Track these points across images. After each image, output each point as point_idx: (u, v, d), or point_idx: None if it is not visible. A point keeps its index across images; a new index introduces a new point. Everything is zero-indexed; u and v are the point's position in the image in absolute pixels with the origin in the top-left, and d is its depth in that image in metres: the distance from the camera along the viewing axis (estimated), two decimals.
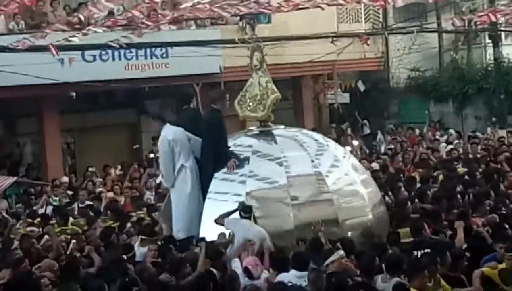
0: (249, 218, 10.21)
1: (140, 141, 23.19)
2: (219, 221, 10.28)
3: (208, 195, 10.91)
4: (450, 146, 19.78)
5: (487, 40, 25.85)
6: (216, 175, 10.99)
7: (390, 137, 23.07)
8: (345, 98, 24.96)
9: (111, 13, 18.06)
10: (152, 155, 20.79)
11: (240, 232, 9.96)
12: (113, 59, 19.62)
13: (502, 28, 24.27)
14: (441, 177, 14.73)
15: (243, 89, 11.83)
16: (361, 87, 25.23)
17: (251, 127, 12.14)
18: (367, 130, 25.03)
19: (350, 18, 24.65)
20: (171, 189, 11.31)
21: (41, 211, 14.52)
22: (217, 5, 12.52)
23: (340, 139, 20.14)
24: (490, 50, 25.67)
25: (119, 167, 19.35)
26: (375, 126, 25.00)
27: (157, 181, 12.42)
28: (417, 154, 18.12)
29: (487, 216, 11.34)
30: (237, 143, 11.43)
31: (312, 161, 11.21)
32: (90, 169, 18.91)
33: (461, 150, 18.69)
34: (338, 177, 11.28)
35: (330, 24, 22.05)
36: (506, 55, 25.41)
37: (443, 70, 26.78)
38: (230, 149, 11.17)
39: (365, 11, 24.24)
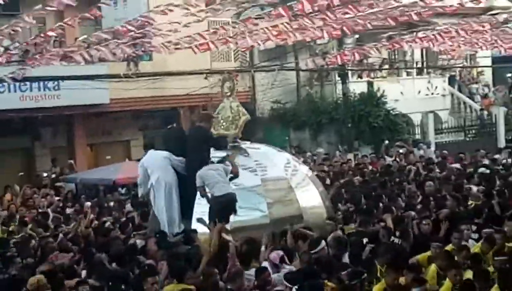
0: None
1: (34, 165, 22.56)
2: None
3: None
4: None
5: (337, 78, 26.56)
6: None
7: None
8: None
9: (6, 49, 17.50)
10: (45, 175, 20.28)
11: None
12: (9, 90, 19.09)
13: (349, 68, 25.15)
14: None
15: (215, 112, 12.53)
16: None
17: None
18: None
19: (221, 57, 24.86)
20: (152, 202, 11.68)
21: None
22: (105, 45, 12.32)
23: None
24: (339, 86, 26.37)
25: (16, 187, 18.71)
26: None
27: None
28: None
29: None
30: (216, 155, 11.70)
31: (279, 168, 12.05)
32: None
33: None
34: (299, 181, 12.05)
35: (204, 61, 22.17)
36: (352, 91, 26.13)
37: (301, 103, 27.26)
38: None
39: (234, 52, 24.52)
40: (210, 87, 21.56)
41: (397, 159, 20.27)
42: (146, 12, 12.73)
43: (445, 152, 21.46)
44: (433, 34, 15.31)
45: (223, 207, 10.50)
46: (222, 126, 12.28)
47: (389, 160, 20.46)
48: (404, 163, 19.33)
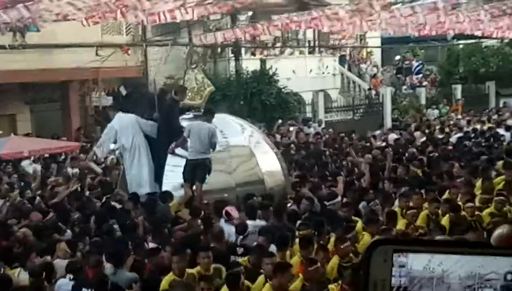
0: None
1: None
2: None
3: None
4: None
5: (230, 55, 26.61)
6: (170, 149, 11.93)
7: None
8: (108, 101, 24.67)
9: None
10: None
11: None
12: None
13: (242, 45, 25.26)
14: None
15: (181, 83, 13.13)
16: (123, 91, 25.03)
17: (187, 113, 13.11)
18: None
19: (113, 30, 24.38)
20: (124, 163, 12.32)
21: None
22: None
23: None
24: (232, 63, 26.45)
25: None
26: None
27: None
28: None
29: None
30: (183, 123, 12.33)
31: (240, 135, 12.82)
32: None
33: None
34: (258, 146, 12.82)
35: (95, 34, 21.67)
36: (245, 68, 26.29)
37: None
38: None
39: (126, 25, 24.09)
40: (101, 60, 21.17)
41: (287, 137, 20.60)
42: None
43: (330, 130, 22.16)
44: (325, 15, 15.59)
45: (193, 170, 11.25)
46: (188, 97, 12.69)
47: (278, 137, 20.78)
48: (294, 140, 19.70)
